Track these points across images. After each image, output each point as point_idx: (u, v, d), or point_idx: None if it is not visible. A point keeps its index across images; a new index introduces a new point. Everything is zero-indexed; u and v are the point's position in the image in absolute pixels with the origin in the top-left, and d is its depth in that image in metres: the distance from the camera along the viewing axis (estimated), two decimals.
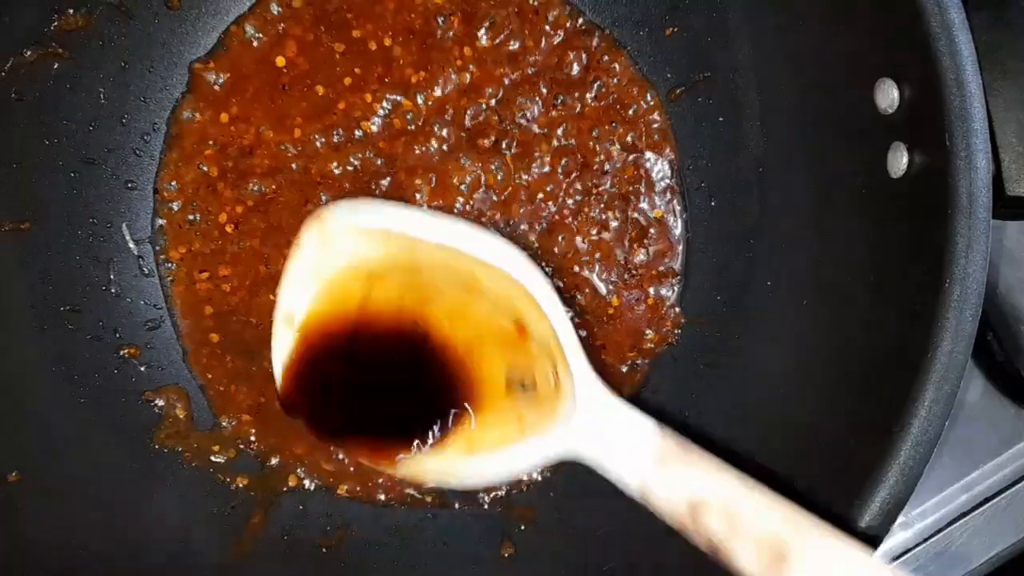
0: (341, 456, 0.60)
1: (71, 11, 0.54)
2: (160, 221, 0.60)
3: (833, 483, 0.45)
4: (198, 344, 0.60)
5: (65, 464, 0.53)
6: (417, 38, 0.61)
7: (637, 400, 0.61)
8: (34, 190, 0.55)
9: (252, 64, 0.60)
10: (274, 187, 0.60)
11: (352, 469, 0.60)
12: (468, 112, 0.61)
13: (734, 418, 0.56)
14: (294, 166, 0.60)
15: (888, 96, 0.46)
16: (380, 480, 0.60)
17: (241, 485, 0.59)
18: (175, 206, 0.60)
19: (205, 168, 0.60)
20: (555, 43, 0.62)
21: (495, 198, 0.61)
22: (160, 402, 0.59)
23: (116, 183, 0.59)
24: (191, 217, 0.60)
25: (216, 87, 0.60)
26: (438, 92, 0.61)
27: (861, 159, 0.49)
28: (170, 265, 0.60)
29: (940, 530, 0.67)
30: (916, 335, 0.43)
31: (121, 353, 0.58)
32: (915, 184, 0.45)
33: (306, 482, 0.60)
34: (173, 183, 0.60)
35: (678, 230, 0.63)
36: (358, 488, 0.60)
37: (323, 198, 0.60)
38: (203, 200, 0.60)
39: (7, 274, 0.54)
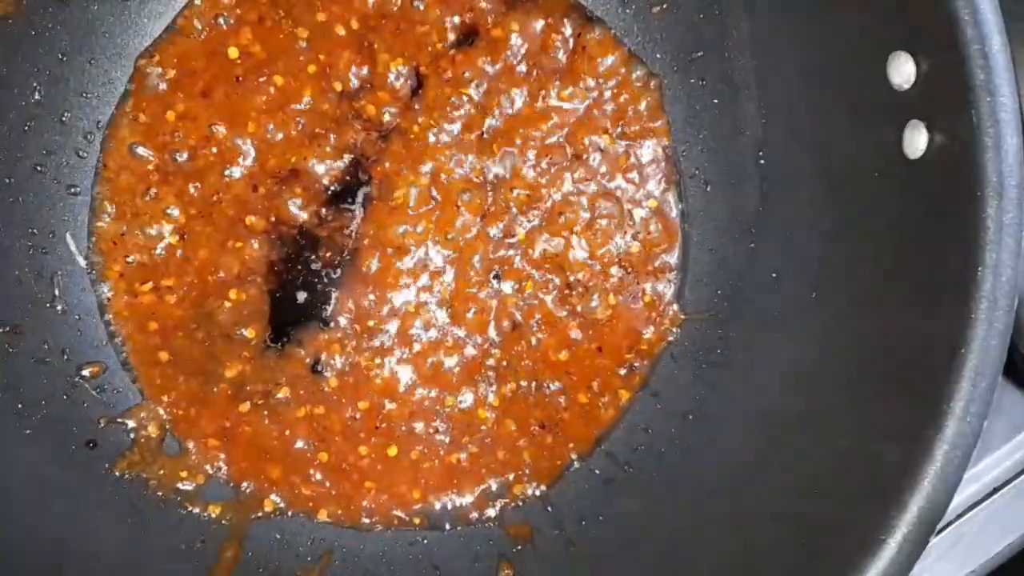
0: (319, 477, 0.55)
1: None
2: (97, 229, 0.55)
3: (861, 493, 0.42)
4: (149, 364, 0.55)
5: (11, 505, 0.47)
6: (391, 21, 0.56)
7: (636, 404, 0.58)
8: None
9: (202, 56, 0.55)
10: (220, 191, 0.55)
11: (333, 492, 0.55)
12: (450, 102, 0.57)
13: (742, 421, 0.52)
14: (245, 163, 0.55)
15: (903, 71, 0.43)
16: (364, 503, 0.55)
17: (213, 514, 0.54)
18: (112, 213, 0.55)
19: (146, 170, 0.55)
20: (538, 28, 0.58)
21: (481, 195, 0.57)
22: (131, 423, 0.54)
23: (58, 188, 0.54)
24: (127, 226, 0.55)
25: (161, 82, 0.55)
26: (414, 83, 0.56)
27: (873, 140, 0.46)
28: (105, 282, 0.55)
29: (951, 522, 0.65)
30: (946, 329, 0.40)
31: (73, 377, 0.53)
32: (937, 165, 0.42)
33: (282, 507, 0.55)
34: (109, 188, 0.55)
35: (674, 221, 0.59)
36: (340, 512, 0.55)
37: (286, 200, 0.55)
38: (143, 206, 0.55)
39: None
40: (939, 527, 0.66)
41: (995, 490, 0.65)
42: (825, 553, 0.41)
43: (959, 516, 0.65)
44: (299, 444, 0.55)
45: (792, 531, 0.43)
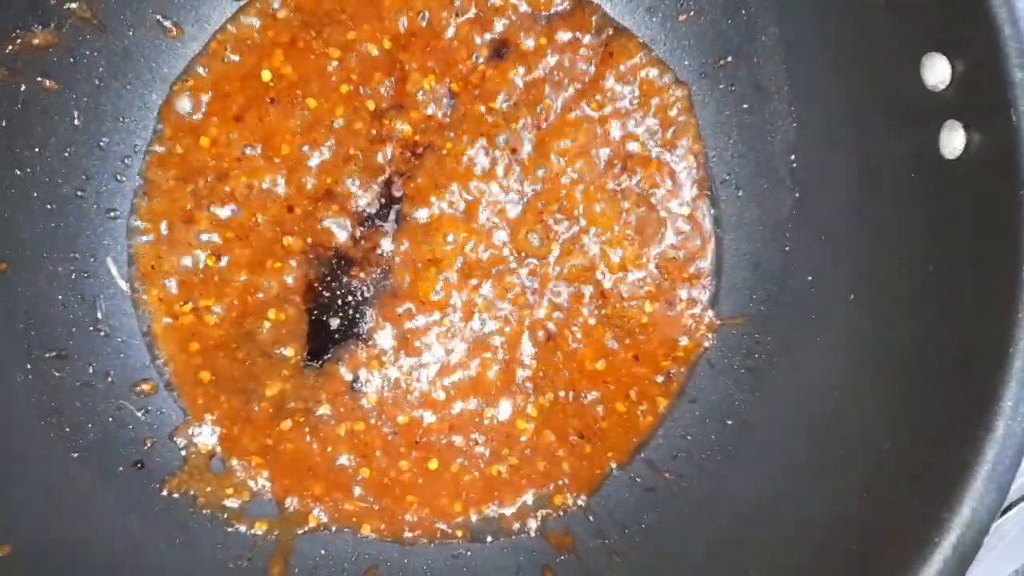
0: (361, 492, 0.55)
1: (37, 27, 0.49)
2: (136, 252, 0.55)
3: (911, 495, 0.41)
4: (191, 384, 0.55)
5: (62, 529, 0.48)
6: (420, 39, 0.56)
7: (675, 411, 0.58)
8: (9, 227, 0.51)
9: (235, 80, 0.55)
10: (256, 213, 0.56)
11: (375, 507, 0.55)
12: (482, 117, 0.57)
13: (783, 426, 0.52)
14: (280, 185, 0.56)
15: (938, 71, 0.43)
16: (407, 517, 0.55)
17: (259, 531, 0.54)
18: (150, 237, 0.55)
19: (183, 193, 0.55)
20: (566, 40, 0.58)
21: (514, 207, 0.57)
22: (180, 441, 0.55)
23: (98, 212, 0.55)
24: (165, 249, 0.55)
25: (196, 107, 0.55)
26: (447, 100, 0.57)
27: (909, 141, 0.45)
28: (146, 305, 0.55)
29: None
30: (991, 330, 0.39)
31: (119, 400, 0.53)
32: (975, 165, 0.42)
33: (326, 523, 0.55)
34: (147, 212, 0.55)
35: (707, 227, 0.59)
36: (383, 526, 0.56)
37: (322, 219, 0.56)
38: (180, 229, 0.55)
39: None
40: None
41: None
42: (876, 557, 0.40)
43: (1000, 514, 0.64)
44: (341, 460, 0.55)
45: (841, 535, 0.43)
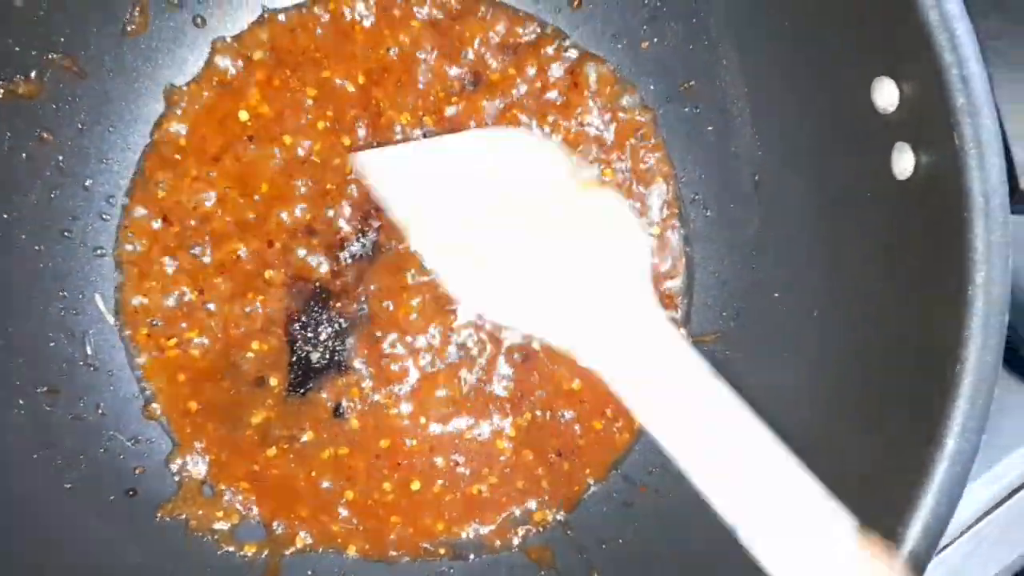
0: (346, 514, 0.57)
1: (19, 77, 0.51)
2: (122, 288, 0.57)
3: (868, 508, 0.42)
4: (180, 414, 0.57)
5: (61, 556, 0.49)
6: (392, 74, 0.58)
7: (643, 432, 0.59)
8: None
9: (213, 121, 0.57)
10: (237, 249, 0.57)
11: (360, 528, 0.57)
12: None
13: None
14: (260, 222, 0.58)
15: (887, 95, 0.44)
16: (391, 536, 0.57)
17: (248, 553, 0.56)
18: (134, 273, 0.57)
19: (166, 232, 0.57)
20: (534, 70, 0.59)
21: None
22: (173, 468, 0.57)
23: (84, 251, 0.56)
24: (151, 285, 0.57)
25: (175, 147, 0.57)
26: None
27: (863, 162, 0.46)
28: (134, 340, 0.57)
29: (969, 527, 0.65)
30: (941, 345, 0.40)
31: (109, 431, 0.55)
32: (924, 186, 0.43)
33: (311, 544, 0.57)
34: (131, 251, 0.57)
35: (678, 247, 0.60)
36: (367, 546, 0.57)
37: (300, 253, 0.57)
38: (163, 267, 0.57)
39: None
40: (957, 534, 0.67)
41: (1013, 492, 0.65)
42: None
43: (977, 521, 0.65)
44: (325, 484, 0.57)
45: None
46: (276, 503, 0.57)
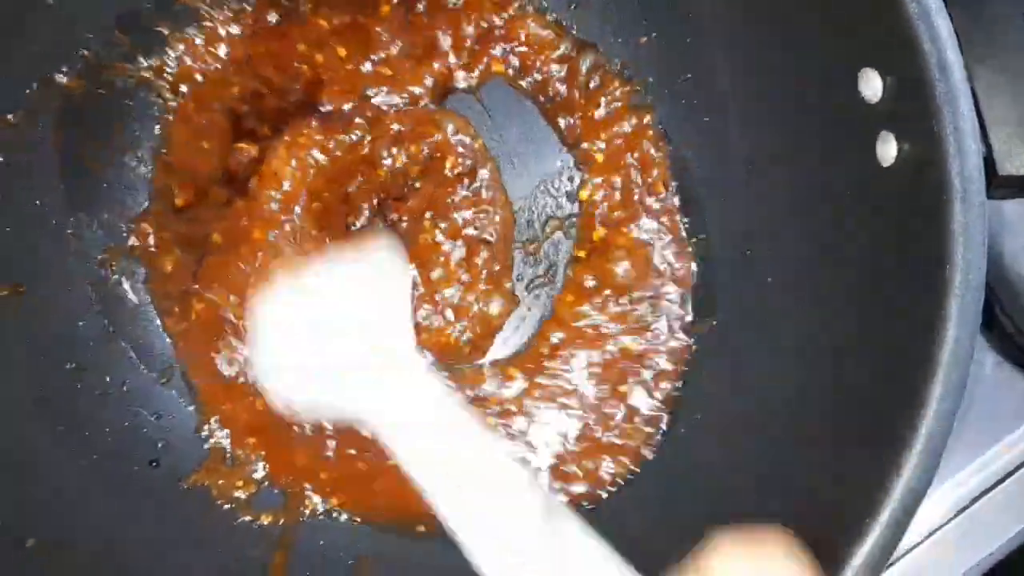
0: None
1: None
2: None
3: (841, 496, 0.43)
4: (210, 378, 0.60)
5: (84, 528, 0.52)
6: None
7: None
8: (28, 250, 0.56)
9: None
10: None
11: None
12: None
13: (721, 427, 0.56)
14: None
15: (872, 85, 0.46)
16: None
17: (265, 522, 0.59)
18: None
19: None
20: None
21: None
22: (204, 433, 0.60)
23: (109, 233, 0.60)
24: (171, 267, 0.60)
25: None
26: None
27: (850, 150, 0.48)
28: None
29: (961, 511, 0.66)
30: (921, 323, 0.42)
31: (132, 406, 0.58)
32: (906, 173, 0.44)
33: (323, 509, 0.60)
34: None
35: (674, 241, 0.62)
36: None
37: None
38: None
39: (9, 338, 0.54)
40: (948, 518, 0.67)
41: (1006, 476, 0.66)
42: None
43: (968, 505, 0.66)
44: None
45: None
46: (292, 472, 0.59)
